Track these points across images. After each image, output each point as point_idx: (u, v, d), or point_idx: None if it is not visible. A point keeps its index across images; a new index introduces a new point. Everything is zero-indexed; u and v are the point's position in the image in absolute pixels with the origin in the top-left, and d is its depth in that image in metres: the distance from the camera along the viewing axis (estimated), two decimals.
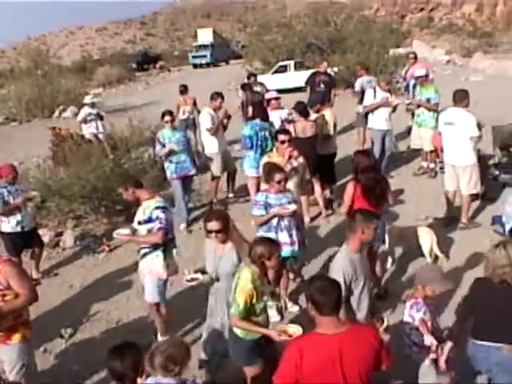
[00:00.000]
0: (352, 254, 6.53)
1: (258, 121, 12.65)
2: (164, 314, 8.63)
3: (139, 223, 8.30)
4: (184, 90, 19.17)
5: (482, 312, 6.09)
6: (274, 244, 6.63)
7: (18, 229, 10.83)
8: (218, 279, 7.10)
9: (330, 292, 4.89)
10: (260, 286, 6.34)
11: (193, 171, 13.02)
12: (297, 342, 5.08)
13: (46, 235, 12.63)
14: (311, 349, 4.81)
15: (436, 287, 6.28)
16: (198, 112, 17.30)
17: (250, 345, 6.44)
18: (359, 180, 8.93)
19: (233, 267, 6.82)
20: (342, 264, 6.41)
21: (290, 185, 10.10)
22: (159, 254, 8.23)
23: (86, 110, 18.49)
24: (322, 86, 18.16)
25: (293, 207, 8.66)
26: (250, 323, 6.32)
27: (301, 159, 10.86)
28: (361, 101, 16.56)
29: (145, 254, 8.32)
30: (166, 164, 12.82)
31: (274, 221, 8.65)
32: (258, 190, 11.62)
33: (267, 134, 12.46)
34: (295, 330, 5.95)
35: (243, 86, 18.09)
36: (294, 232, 8.76)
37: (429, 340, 6.14)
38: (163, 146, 12.66)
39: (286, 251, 8.51)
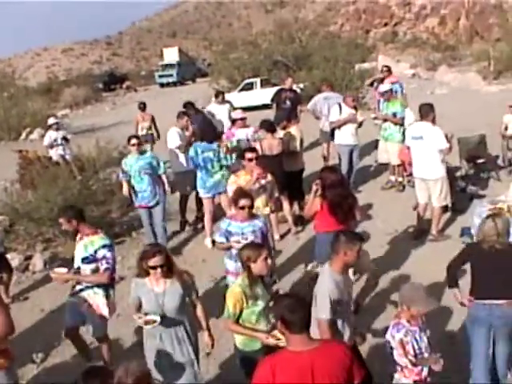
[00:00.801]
0: (336, 275, 6.45)
1: (202, 142, 12.56)
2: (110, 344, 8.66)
3: (82, 261, 8.13)
4: (143, 107, 20.28)
5: (480, 275, 7.06)
6: (259, 246, 6.82)
7: None
8: (162, 318, 6.66)
9: (299, 310, 4.87)
10: (250, 290, 6.44)
11: (152, 202, 12.28)
12: (268, 360, 5.03)
13: (15, 259, 12.51)
14: (283, 366, 4.79)
15: (421, 307, 6.21)
16: (156, 128, 19.67)
17: (250, 356, 6.49)
18: (326, 196, 8.98)
19: (181, 299, 6.72)
20: (328, 285, 6.35)
21: (259, 202, 10.28)
22: (98, 291, 8.16)
23: (50, 134, 18.37)
24: (288, 102, 18.17)
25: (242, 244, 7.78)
26: (242, 327, 6.45)
27: (269, 176, 10.87)
28: (317, 117, 16.84)
29: (81, 290, 8.22)
30: (132, 192, 12.57)
31: (234, 250, 8.35)
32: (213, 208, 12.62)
33: (211, 154, 12.37)
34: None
35: (185, 106, 17.65)
36: None
37: (403, 362, 6.16)
38: (124, 173, 12.38)
39: None
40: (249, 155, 10.73)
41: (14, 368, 6.83)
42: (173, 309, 6.69)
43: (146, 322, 6.66)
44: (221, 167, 12.46)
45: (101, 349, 8.54)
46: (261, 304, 6.57)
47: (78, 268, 8.17)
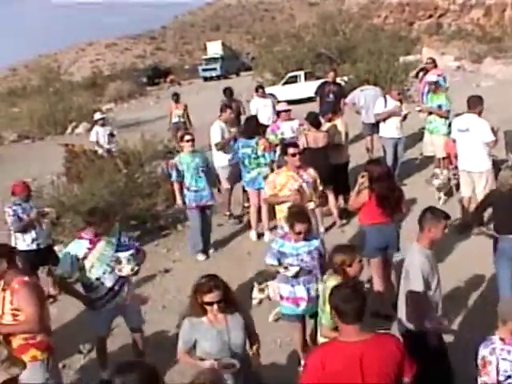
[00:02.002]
0: (425, 250, 6.58)
1: (244, 138, 12.59)
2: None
3: (117, 251, 8.07)
4: (176, 98, 22.09)
5: (501, 213, 8.81)
6: (353, 249, 6.78)
7: (34, 246, 10.87)
8: (233, 356, 5.86)
9: (353, 300, 4.89)
10: None
11: (210, 201, 12.29)
12: (319, 349, 5.16)
13: (61, 251, 12.65)
14: (332, 356, 4.85)
15: None
16: (188, 117, 21.57)
17: None
18: (373, 189, 8.94)
19: (244, 330, 6.01)
20: (419, 258, 6.48)
21: (306, 193, 9.95)
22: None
23: (97, 130, 18.55)
24: (332, 96, 18.10)
25: (294, 269, 7.54)
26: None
27: (312, 171, 10.27)
28: (357, 112, 16.85)
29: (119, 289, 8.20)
30: (184, 191, 12.12)
31: (289, 273, 7.68)
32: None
33: (249, 151, 12.34)
34: None
35: (225, 91, 19.17)
36: (312, 286, 7.70)
37: (480, 380, 5.75)
38: (178, 172, 12.00)
39: (301, 308, 7.79)
40: (291, 150, 10.03)
41: (52, 361, 6.94)
42: (240, 345, 6.02)
43: (225, 367, 5.75)
44: (258, 164, 12.39)
45: (135, 339, 8.60)
46: None
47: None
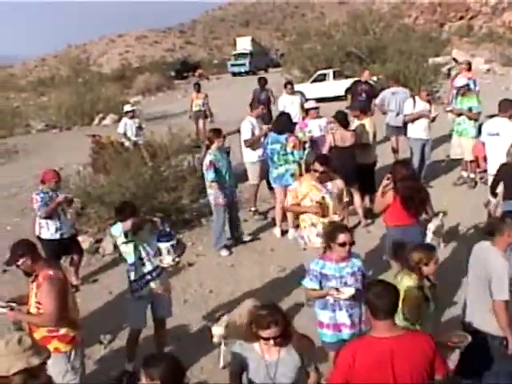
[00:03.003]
0: (504, 254, 6.59)
1: (273, 133, 12.55)
2: None
3: (159, 241, 8.27)
4: (198, 87, 24.11)
5: (509, 183, 9.89)
6: (431, 248, 6.77)
7: (57, 236, 10.91)
8: None
9: (386, 296, 4.96)
10: (423, 292, 6.41)
11: (236, 197, 12.54)
12: (350, 345, 5.22)
13: (85, 241, 12.70)
14: (363, 351, 4.95)
15: None
16: (208, 106, 23.44)
17: None
18: (398, 190, 8.90)
19: (297, 371, 5.51)
20: (504, 264, 6.46)
21: (330, 206, 9.18)
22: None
23: (126, 121, 18.63)
24: (364, 95, 18.11)
25: (350, 291, 6.85)
26: None
27: (339, 181, 9.44)
28: (384, 112, 16.75)
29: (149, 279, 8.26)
30: (213, 190, 12.01)
31: (332, 298, 7.08)
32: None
33: (278, 147, 12.27)
34: None
35: (259, 80, 20.44)
36: (355, 311, 7.08)
37: None
38: (215, 170, 11.80)
39: (344, 334, 7.15)
40: (318, 166, 9.08)
41: (75, 354, 6.99)
42: (287, 382, 5.53)
43: None
44: (286, 161, 12.33)
45: (160, 332, 8.65)
46: (432, 306, 6.58)
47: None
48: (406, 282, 6.44)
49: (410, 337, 5.05)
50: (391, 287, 5.13)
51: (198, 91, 23.73)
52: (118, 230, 8.09)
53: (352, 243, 7.06)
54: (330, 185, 9.25)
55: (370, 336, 5.05)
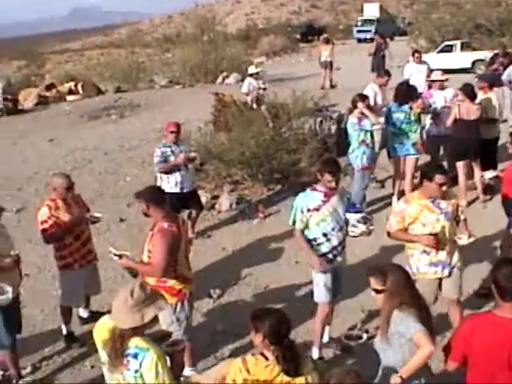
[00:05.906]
0: None
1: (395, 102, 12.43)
2: None
3: (348, 211, 7.88)
4: (327, 40, 28.18)
5: None
6: None
7: (177, 189, 11.07)
8: None
9: None
10: None
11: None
12: (471, 319, 5.19)
13: (202, 197, 12.84)
14: (484, 328, 4.87)
15: None
16: (333, 57, 27.04)
17: None
18: None
19: None
20: None
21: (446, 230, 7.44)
22: None
23: (250, 81, 18.77)
24: (501, 68, 17.59)
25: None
26: None
27: (451, 198, 7.63)
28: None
29: None
30: (360, 150, 11.86)
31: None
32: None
33: (402, 116, 12.14)
34: None
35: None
36: None
37: None
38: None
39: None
40: (438, 179, 7.19)
41: (181, 307, 7.10)
42: None
43: None
44: (409, 130, 12.19)
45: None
46: None
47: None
48: None
49: None
50: None
51: (327, 43, 27.64)
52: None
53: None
54: (443, 203, 7.43)
55: (494, 314, 4.92)
